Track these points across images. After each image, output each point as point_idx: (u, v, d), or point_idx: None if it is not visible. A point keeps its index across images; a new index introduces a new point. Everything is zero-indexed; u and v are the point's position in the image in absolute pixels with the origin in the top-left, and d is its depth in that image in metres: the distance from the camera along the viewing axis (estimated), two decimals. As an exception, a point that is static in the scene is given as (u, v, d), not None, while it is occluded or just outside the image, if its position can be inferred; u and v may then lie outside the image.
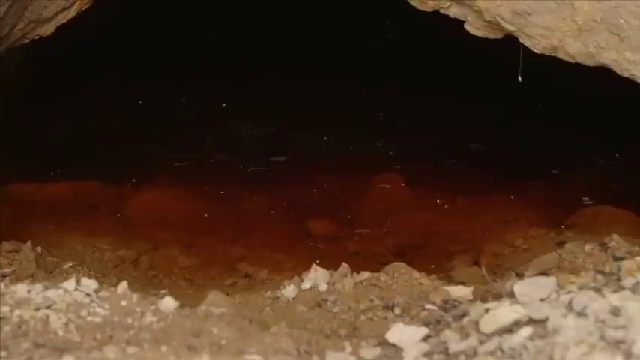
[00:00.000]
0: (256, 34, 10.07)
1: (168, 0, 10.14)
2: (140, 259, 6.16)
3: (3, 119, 7.91)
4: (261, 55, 9.64)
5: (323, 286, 4.50)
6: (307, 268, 4.94)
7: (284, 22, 10.23)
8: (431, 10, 5.91)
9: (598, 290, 3.12)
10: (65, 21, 5.97)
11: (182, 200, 7.15)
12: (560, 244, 5.50)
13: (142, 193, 7.20)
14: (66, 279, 5.03)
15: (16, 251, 5.39)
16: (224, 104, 9.00)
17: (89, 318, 3.17)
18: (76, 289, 3.39)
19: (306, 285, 4.55)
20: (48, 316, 3.13)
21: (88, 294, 3.36)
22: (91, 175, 7.32)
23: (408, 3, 5.96)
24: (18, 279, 4.80)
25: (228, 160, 7.96)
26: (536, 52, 5.47)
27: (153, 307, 3.31)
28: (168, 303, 3.32)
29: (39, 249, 5.53)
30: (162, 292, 5.06)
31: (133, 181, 7.40)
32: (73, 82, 8.87)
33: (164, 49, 9.65)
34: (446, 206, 7.08)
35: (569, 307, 2.95)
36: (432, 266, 5.78)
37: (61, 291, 3.35)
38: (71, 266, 5.60)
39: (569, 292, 3.12)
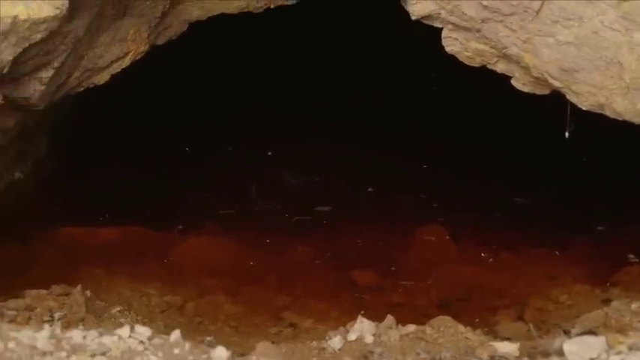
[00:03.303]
0: (304, 84, 10.17)
1: (218, 47, 10.26)
2: (186, 305, 6.19)
3: (55, 164, 8.06)
4: (308, 105, 9.72)
5: (369, 338, 4.52)
6: (351, 318, 4.97)
7: (332, 73, 10.34)
8: (478, 65, 5.98)
9: (647, 351, 3.13)
10: (119, 70, 6.10)
11: (228, 247, 7.20)
12: (606, 301, 5.50)
13: (188, 239, 7.26)
14: (114, 324, 5.14)
15: (66, 295, 5.45)
16: (270, 152, 9.10)
17: (143, 365, 3.23)
18: (130, 336, 3.44)
19: (352, 336, 4.57)
20: (103, 363, 3.19)
21: (141, 341, 3.41)
22: (138, 221, 7.40)
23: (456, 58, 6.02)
24: (69, 323, 4.87)
25: (274, 209, 8.01)
26: (583, 108, 5.50)
27: (205, 355, 3.36)
28: (221, 353, 3.37)
29: (88, 293, 5.58)
30: (209, 339, 5.10)
31: (180, 227, 7.48)
32: (122, 128, 8.99)
33: (212, 96, 9.78)
34: (490, 260, 7.08)
35: (619, 367, 2.97)
36: (477, 320, 5.77)
37: (115, 338, 3.40)
38: (119, 311, 5.64)
39: (618, 352, 3.13)
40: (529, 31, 5.31)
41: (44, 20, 4.74)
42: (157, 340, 3.45)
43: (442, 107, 9.67)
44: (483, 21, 5.46)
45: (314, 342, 4.69)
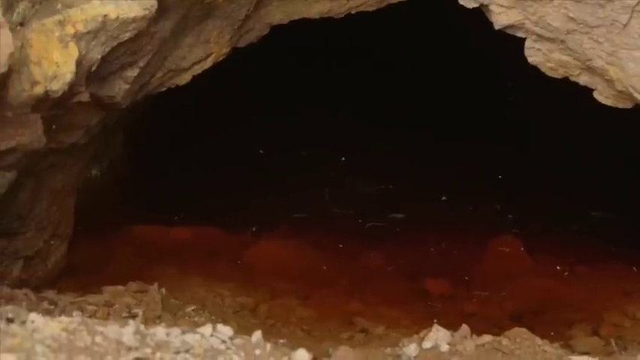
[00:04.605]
0: (379, 92, 10.18)
1: (294, 51, 10.30)
2: (259, 307, 6.22)
3: (131, 163, 8.16)
4: (383, 112, 9.73)
5: (444, 347, 4.48)
6: (423, 326, 4.96)
7: (409, 81, 10.34)
8: (560, 76, 5.91)
9: None
10: (201, 71, 6.13)
11: (300, 251, 7.23)
12: (684, 320, 5.42)
13: (262, 241, 7.31)
14: (189, 322, 5.18)
15: (142, 292, 5.50)
16: (343, 158, 9.11)
17: (226, 364, 3.24)
18: (212, 335, 3.46)
19: (427, 345, 4.53)
20: (187, 360, 3.20)
21: (223, 341, 3.42)
22: (212, 221, 7.45)
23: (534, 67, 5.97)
24: (146, 320, 4.92)
25: (347, 214, 8.03)
26: (668, 123, 5.43)
27: (286, 357, 3.36)
28: (302, 356, 3.36)
29: (163, 291, 5.63)
30: (281, 341, 5.12)
31: (254, 229, 7.51)
32: (197, 129, 9.08)
33: (288, 100, 9.82)
34: (565, 273, 7.01)
35: None
36: (552, 333, 5.71)
37: (197, 336, 3.42)
38: (193, 310, 5.67)
39: None
40: (615, 44, 5.24)
41: (133, 20, 4.79)
42: (238, 340, 3.47)
43: (519, 118, 9.62)
44: (568, 32, 5.40)
45: (388, 349, 4.67)
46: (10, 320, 3.00)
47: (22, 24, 4.41)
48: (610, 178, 8.29)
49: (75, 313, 4.66)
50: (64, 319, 3.27)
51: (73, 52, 4.57)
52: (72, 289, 5.53)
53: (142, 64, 5.39)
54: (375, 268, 7.16)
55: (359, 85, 10.22)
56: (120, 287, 5.47)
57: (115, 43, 4.87)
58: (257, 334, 3.54)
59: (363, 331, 6.00)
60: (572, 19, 5.28)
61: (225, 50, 6.17)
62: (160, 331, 3.43)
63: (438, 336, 4.58)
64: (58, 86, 4.51)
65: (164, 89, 6.17)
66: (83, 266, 6.42)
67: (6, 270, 5.29)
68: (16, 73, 4.28)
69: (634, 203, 7.99)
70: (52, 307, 4.90)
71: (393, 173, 8.65)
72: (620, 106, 5.82)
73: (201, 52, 5.99)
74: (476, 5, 5.65)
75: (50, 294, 5.12)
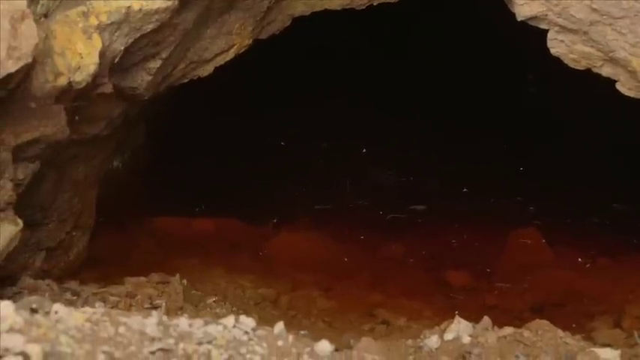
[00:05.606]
0: (401, 84, 10.16)
1: (316, 42, 10.29)
2: (280, 298, 6.24)
3: (152, 155, 8.18)
4: (405, 104, 9.72)
5: (466, 339, 4.48)
6: (445, 318, 4.95)
7: (430, 72, 10.32)
8: (583, 68, 5.87)
9: None
10: (223, 62, 6.14)
11: (322, 243, 7.25)
12: None
13: (283, 233, 7.32)
14: (211, 314, 5.19)
15: (164, 283, 5.52)
16: (364, 150, 9.10)
17: (248, 356, 3.25)
18: (234, 326, 3.46)
19: (449, 336, 4.54)
20: (210, 351, 3.21)
21: (246, 332, 3.43)
22: (233, 213, 7.47)
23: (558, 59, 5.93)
24: (168, 311, 4.94)
25: (368, 206, 8.03)
26: (694, 115, 5.40)
27: (308, 349, 3.36)
28: (324, 347, 3.37)
29: (184, 282, 5.65)
30: (303, 332, 5.13)
31: (275, 220, 7.53)
32: (219, 121, 9.09)
33: (309, 92, 9.82)
34: (587, 265, 7.00)
35: None
36: (573, 325, 5.69)
37: (220, 327, 3.43)
38: (214, 301, 5.69)
39: None
40: (639, 35, 5.21)
41: (156, 11, 4.80)
42: (260, 332, 3.47)
43: (540, 110, 9.59)
44: (592, 24, 5.37)
45: (410, 340, 4.67)
46: (34, 311, 3.01)
47: (45, 15, 4.43)
48: (631, 170, 8.24)
49: (98, 304, 4.70)
50: (87, 309, 3.28)
51: (97, 43, 4.59)
52: (94, 280, 5.56)
53: (164, 55, 5.40)
54: (396, 259, 7.17)
55: (381, 77, 10.20)
56: (142, 278, 5.50)
57: (138, 35, 4.88)
58: (279, 325, 3.54)
59: (384, 323, 6.00)
60: (595, 10, 5.25)
61: (248, 42, 6.17)
62: (182, 322, 3.44)
63: (459, 328, 4.58)
64: (81, 77, 4.53)
65: (186, 81, 6.17)
66: (105, 257, 6.45)
67: (28, 261, 5.31)
68: (40, 65, 4.30)
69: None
70: (75, 297, 4.93)
71: (414, 165, 8.65)
72: (643, 97, 5.79)
73: (223, 44, 6.00)
74: (498, -4, 5.64)
75: (73, 285, 5.15)
